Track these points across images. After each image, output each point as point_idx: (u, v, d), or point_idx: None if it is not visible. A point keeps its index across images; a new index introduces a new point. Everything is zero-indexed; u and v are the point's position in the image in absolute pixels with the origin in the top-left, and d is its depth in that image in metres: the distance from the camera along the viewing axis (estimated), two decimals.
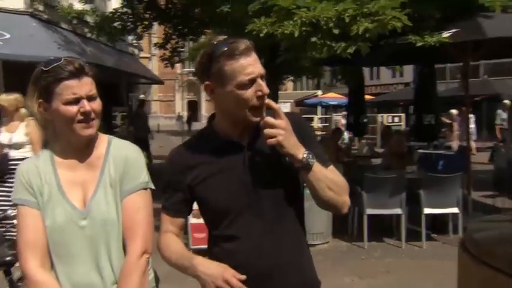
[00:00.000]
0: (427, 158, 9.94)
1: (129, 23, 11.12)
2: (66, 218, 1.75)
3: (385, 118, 24.07)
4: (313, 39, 5.04)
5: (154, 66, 45.92)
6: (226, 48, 1.64)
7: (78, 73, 1.73)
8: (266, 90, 1.66)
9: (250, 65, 1.64)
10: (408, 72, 29.62)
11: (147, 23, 11.19)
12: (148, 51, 41.70)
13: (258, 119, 1.68)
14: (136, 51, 21.24)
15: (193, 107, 59.66)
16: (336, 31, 5.00)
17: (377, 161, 9.38)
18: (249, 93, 1.64)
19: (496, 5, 6.27)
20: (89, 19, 12.11)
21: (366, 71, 21.05)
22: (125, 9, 11.14)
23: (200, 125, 41.77)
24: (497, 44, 7.05)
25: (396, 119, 24.63)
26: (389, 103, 25.63)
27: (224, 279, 1.59)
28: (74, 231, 1.75)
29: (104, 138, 1.88)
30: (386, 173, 6.73)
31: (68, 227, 1.75)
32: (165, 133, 29.82)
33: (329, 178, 1.70)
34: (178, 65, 14.84)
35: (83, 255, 1.76)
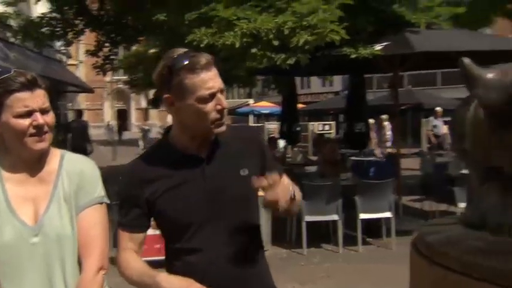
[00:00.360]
0: (358, 165, 10.33)
1: (58, 29, 10.73)
2: (15, 235, 1.68)
3: (316, 126, 24.74)
4: (253, 50, 5.14)
5: (82, 73, 44.44)
6: (187, 62, 1.66)
7: (30, 85, 1.67)
8: (225, 104, 1.71)
9: (211, 80, 1.67)
10: (337, 81, 30.68)
11: (77, 29, 10.85)
12: (76, 58, 40.36)
13: (219, 130, 1.72)
14: (64, 58, 20.51)
15: (122, 116, 58.20)
16: (275, 42, 5.12)
17: (310, 168, 9.61)
18: (209, 107, 1.68)
19: (421, 21, 6.72)
20: (13, 23, 11.55)
21: (297, 80, 21.59)
22: (53, 14, 10.74)
23: (130, 134, 40.77)
24: (422, 57, 7.50)
25: (327, 127, 25.40)
26: (319, 111, 26.35)
27: None
28: (25, 249, 1.68)
29: (56, 153, 1.83)
30: (323, 181, 6.94)
31: (17, 244, 1.67)
32: (94, 143, 28.86)
33: (298, 197, 1.75)
34: (108, 73, 14.55)
35: (35, 274, 1.68)
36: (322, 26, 5.04)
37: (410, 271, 1.77)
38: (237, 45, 5.01)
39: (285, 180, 1.66)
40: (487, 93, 1.68)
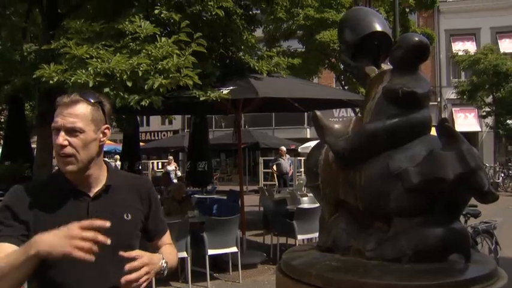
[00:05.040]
0: (202, 203, 10.63)
1: None
2: None
3: (155, 164, 24.68)
4: (106, 89, 5.15)
5: None
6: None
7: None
8: (60, 141, 1.75)
9: (59, 115, 1.78)
10: (177, 120, 31.09)
11: None
12: None
13: (63, 167, 1.78)
14: None
15: None
16: (129, 83, 5.20)
17: None
18: (55, 140, 1.78)
19: (263, 69, 7.38)
20: None
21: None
22: None
23: None
24: (261, 101, 8.18)
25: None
26: (159, 150, 26.35)
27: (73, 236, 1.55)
28: None
29: None
30: (170, 219, 7.03)
31: None
32: None
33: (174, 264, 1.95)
34: None
35: None
36: (177, 71, 5.30)
37: None
38: (91, 84, 4.98)
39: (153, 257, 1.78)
40: (336, 141, 2.07)
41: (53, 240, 1.56)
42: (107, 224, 1.60)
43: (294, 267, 1.94)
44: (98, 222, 1.59)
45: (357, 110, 15.88)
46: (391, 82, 2.10)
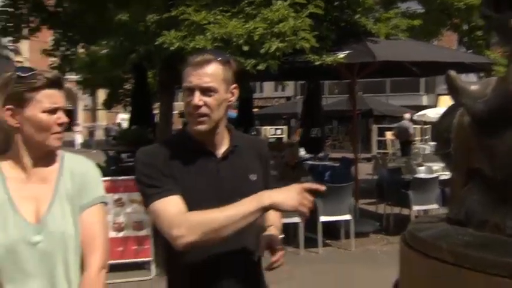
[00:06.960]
0: (314, 169, 10.59)
1: (10, 24, 10.30)
2: (18, 233, 1.67)
3: (268, 130, 25.09)
4: None
5: None
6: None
7: (57, 84, 1.73)
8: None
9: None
10: (289, 86, 31.17)
11: (33, 25, 10.45)
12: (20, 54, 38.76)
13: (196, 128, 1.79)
14: (12, 54, 19.74)
15: (69, 117, 56.38)
16: (245, 48, 5.22)
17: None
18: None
19: (381, 32, 7.02)
20: None
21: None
22: (5, 8, 10.29)
23: (73, 135, 39.14)
24: (377, 66, 7.81)
25: (279, 132, 25.83)
26: (272, 116, 26.69)
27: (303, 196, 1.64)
28: (26, 248, 1.67)
29: (56, 152, 1.85)
30: (285, 184, 7.05)
31: (19, 243, 1.67)
32: None
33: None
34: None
35: (37, 273, 1.68)
36: (294, 34, 5.21)
37: (400, 266, 1.92)
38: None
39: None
40: (473, 103, 1.86)
41: (287, 195, 1.64)
42: (323, 187, 1.69)
43: (422, 240, 1.80)
44: (315, 186, 1.69)
45: (481, 75, 14.64)
46: None
